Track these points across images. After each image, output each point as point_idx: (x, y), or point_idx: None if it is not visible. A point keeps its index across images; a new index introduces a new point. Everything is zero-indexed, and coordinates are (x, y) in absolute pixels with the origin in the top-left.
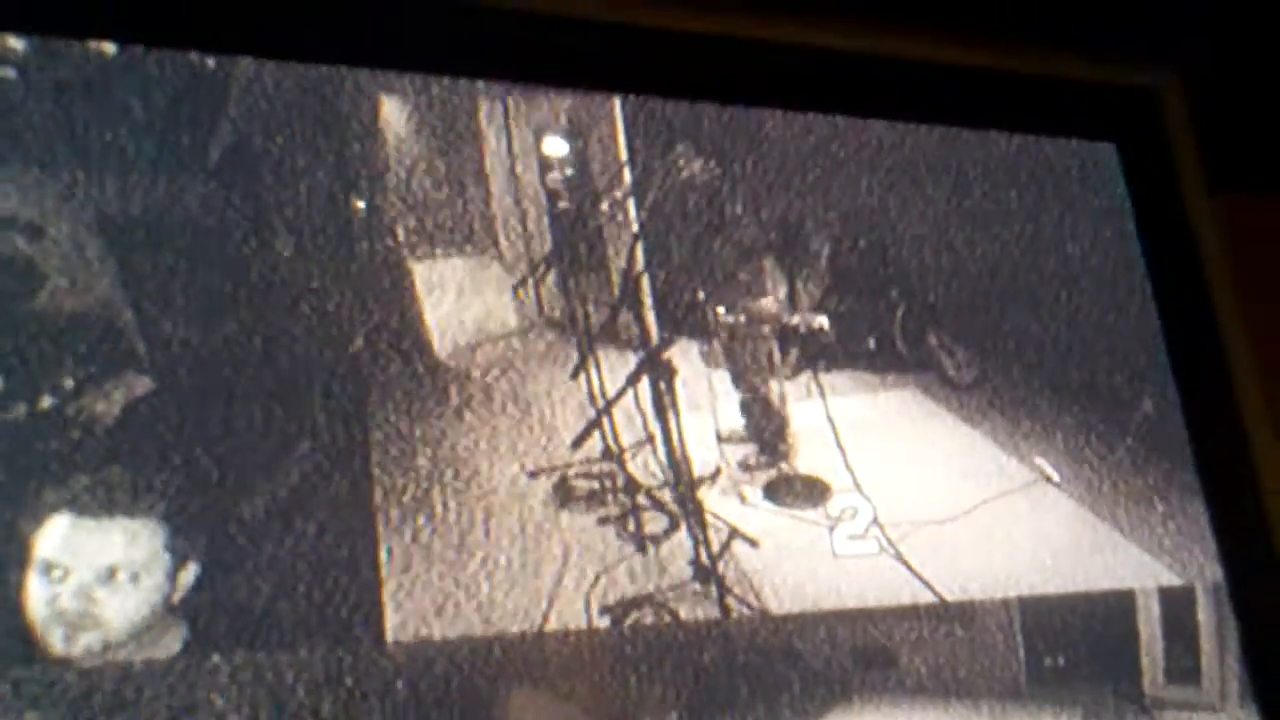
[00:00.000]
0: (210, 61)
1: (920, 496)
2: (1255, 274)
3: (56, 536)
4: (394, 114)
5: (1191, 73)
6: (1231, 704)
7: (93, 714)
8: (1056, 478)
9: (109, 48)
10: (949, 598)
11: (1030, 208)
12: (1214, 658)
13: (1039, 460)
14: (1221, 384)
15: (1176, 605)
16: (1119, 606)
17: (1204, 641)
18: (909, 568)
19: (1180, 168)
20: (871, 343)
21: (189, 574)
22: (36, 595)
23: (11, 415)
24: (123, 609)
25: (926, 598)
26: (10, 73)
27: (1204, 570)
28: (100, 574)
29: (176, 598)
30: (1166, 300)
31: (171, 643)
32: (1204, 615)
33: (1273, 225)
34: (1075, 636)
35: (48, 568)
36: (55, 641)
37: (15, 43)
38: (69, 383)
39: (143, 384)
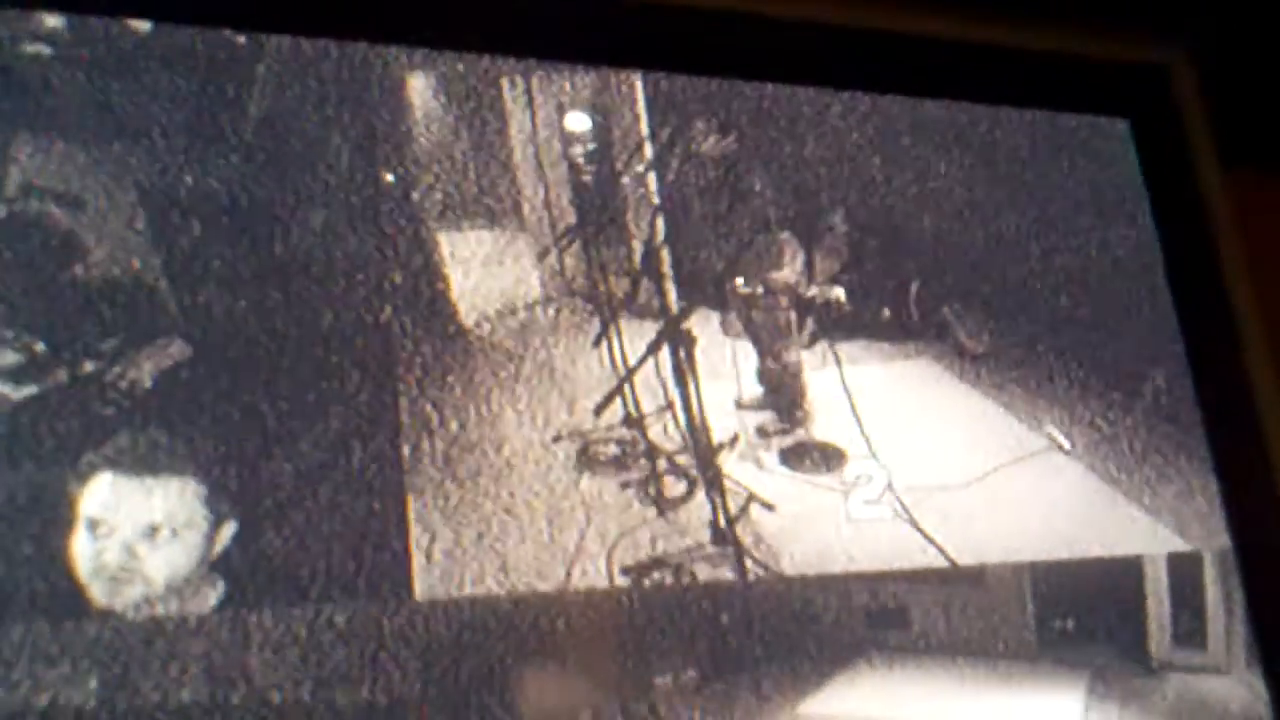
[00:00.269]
0: (241, 39)
1: (934, 463)
2: (1266, 248)
3: (100, 495)
4: (420, 90)
5: (1203, 50)
6: (1237, 667)
7: (136, 666)
8: (1068, 446)
9: (143, 25)
10: (961, 562)
11: (1045, 183)
12: (1220, 623)
13: (1050, 429)
14: (1232, 356)
15: (1184, 571)
16: (1127, 572)
17: (1211, 607)
18: (922, 532)
19: (1193, 144)
20: (886, 313)
21: (227, 532)
22: (82, 551)
23: (54, 379)
24: (164, 564)
25: (939, 561)
26: (48, 50)
27: (1212, 538)
28: (143, 530)
29: (215, 554)
30: (1178, 273)
31: (210, 598)
32: (1211, 581)
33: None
34: (1084, 600)
35: (93, 524)
36: (100, 595)
37: (54, 21)
38: (108, 347)
39: (180, 349)
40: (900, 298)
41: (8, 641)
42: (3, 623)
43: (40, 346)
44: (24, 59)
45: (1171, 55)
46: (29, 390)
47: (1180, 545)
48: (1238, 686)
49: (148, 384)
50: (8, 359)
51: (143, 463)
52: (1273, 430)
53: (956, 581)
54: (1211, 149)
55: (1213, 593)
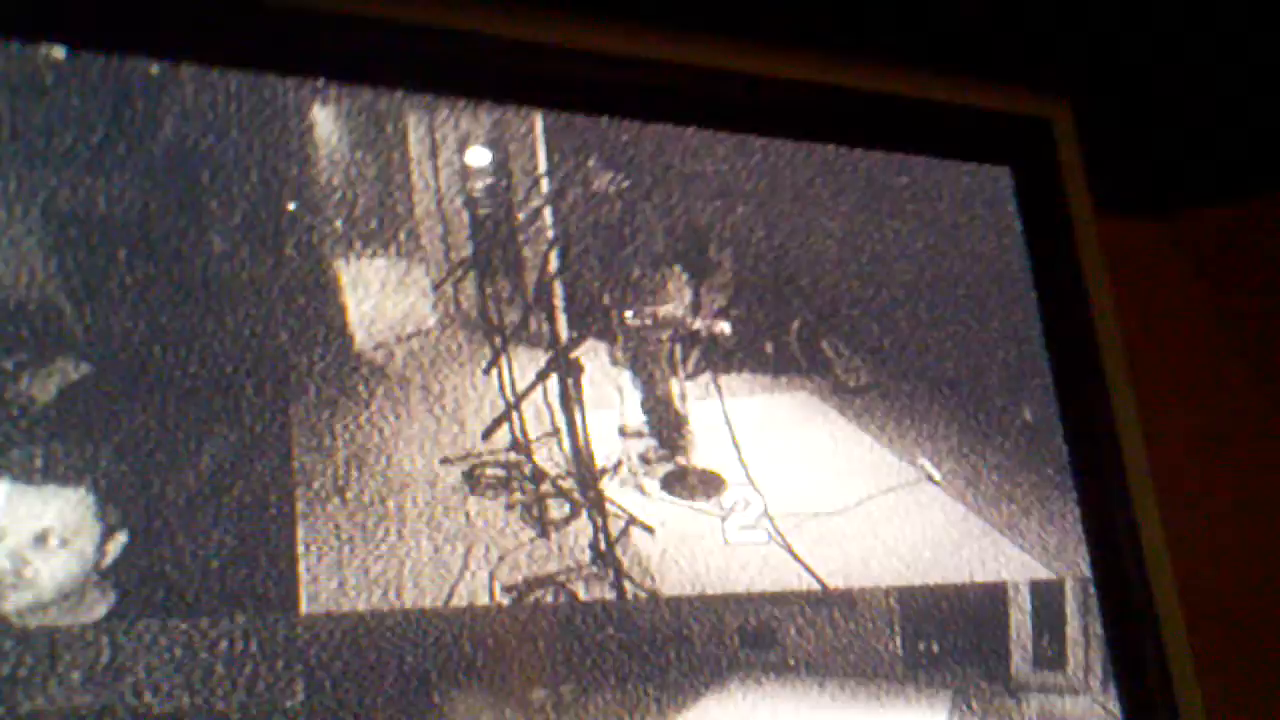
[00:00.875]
0: (154, 68)
1: (809, 491)
2: (1133, 290)
3: None
4: (325, 121)
5: (1082, 103)
6: (1094, 689)
7: (23, 671)
8: (939, 477)
9: (58, 52)
10: (832, 585)
11: (926, 225)
12: (1079, 646)
13: (923, 460)
14: (1097, 394)
15: (1046, 597)
16: (992, 597)
17: (1071, 631)
18: (795, 556)
19: (1069, 191)
20: (769, 347)
21: (117, 543)
22: None
23: None
24: (53, 571)
25: (811, 584)
26: None
27: (1073, 566)
28: (33, 537)
29: (105, 564)
30: (1050, 315)
31: (99, 607)
32: (1072, 607)
33: (1152, 245)
34: (950, 624)
35: None
36: None
37: None
38: (9, 365)
39: (80, 369)
40: (782, 333)
41: None
42: None
43: None
44: None
45: (1051, 108)
46: None
47: (1043, 573)
48: (1094, 706)
49: (48, 400)
50: None
51: (37, 472)
52: (1133, 465)
53: (827, 604)
54: (1086, 196)
55: (1073, 618)
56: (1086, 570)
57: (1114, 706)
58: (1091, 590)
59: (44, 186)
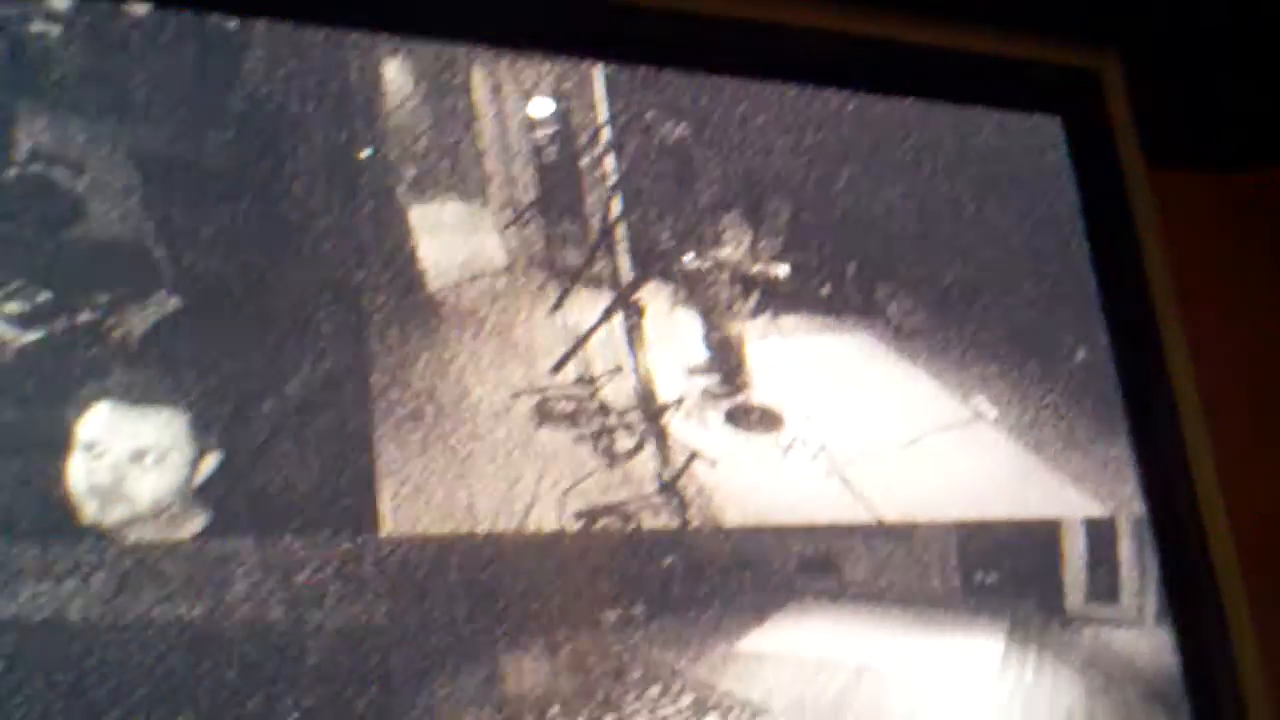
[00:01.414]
0: (232, 23)
1: (866, 429)
2: (1183, 237)
3: (96, 421)
4: (396, 73)
5: (1132, 54)
6: (1148, 622)
7: (122, 584)
8: (993, 416)
9: (142, 8)
10: (889, 520)
11: (980, 174)
12: (1133, 582)
13: (977, 400)
14: (1149, 337)
15: (1100, 534)
16: (1047, 533)
17: (1124, 567)
18: (853, 490)
19: (1119, 142)
20: (826, 290)
21: (209, 463)
22: (77, 471)
23: (56, 326)
24: (149, 487)
25: (868, 518)
26: (55, 29)
27: (1127, 503)
28: (131, 454)
29: (197, 482)
30: (1102, 260)
31: (193, 523)
32: (1125, 544)
33: (1202, 198)
34: (1006, 558)
35: (87, 447)
36: (91, 512)
37: (60, 2)
38: (105, 299)
39: (171, 303)
40: (838, 277)
41: (12, 559)
42: (8, 541)
43: (44, 296)
44: (32, 36)
45: (1101, 59)
46: (34, 334)
47: (1097, 509)
48: (1147, 638)
49: (140, 333)
50: (15, 306)
51: (134, 394)
52: (1185, 407)
53: (884, 536)
54: (1136, 146)
55: (1126, 553)
56: (1140, 507)
57: (1167, 639)
58: (1144, 527)
59: (136, 135)
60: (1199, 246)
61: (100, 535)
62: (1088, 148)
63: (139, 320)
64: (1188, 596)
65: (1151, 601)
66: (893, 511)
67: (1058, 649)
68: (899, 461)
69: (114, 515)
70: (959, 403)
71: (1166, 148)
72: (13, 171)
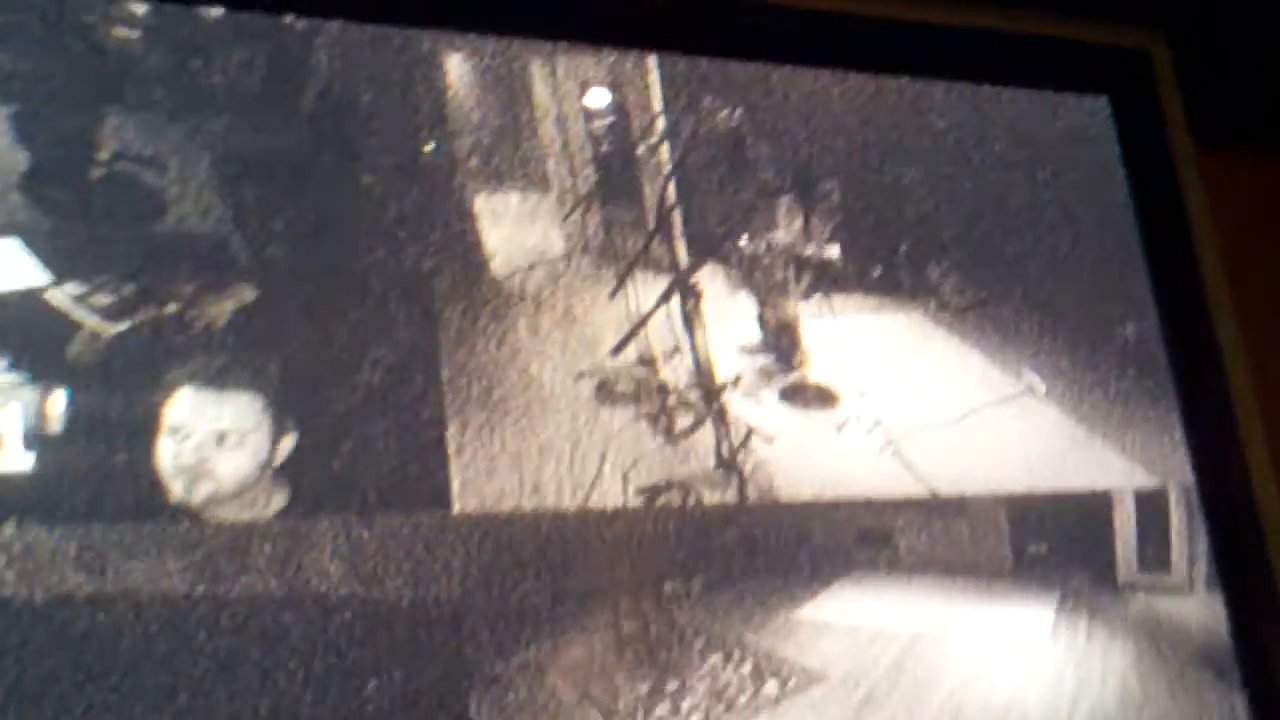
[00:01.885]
0: (301, 24)
1: (918, 404)
2: (1231, 216)
3: (181, 405)
4: (458, 69)
5: (1180, 34)
6: (1198, 590)
7: (208, 562)
8: (1043, 390)
9: (215, 11)
10: (942, 493)
11: (1030, 155)
12: (1183, 550)
13: (1027, 374)
14: (1198, 310)
15: (1150, 504)
16: (1097, 504)
17: (1175, 536)
18: (906, 465)
19: (1168, 121)
20: (877, 271)
21: (287, 443)
22: (164, 452)
23: (142, 317)
24: (231, 467)
25: (921, 491)
26: (135, 33)
27: (1176, 473)
28: (214, 436)
29: (277, 462)
30: (1151, 237)
31: (275, 503)
32: (1176, 513)
33: (1250, 178)
34: (1057, 529)
35: (173, 430)
36: (178, 491)
37: (139, 8)
38: (187, 291)
39: (249, 293)
40: (890, 257)
41: (102, 537)
42: (98, 520)
43: (130, 289)
44: (114, 41)
45: (1150, 39)
46: (121, 325)
47: (1147, 480)
48: (1198, 607)
49: (221, 322)
50: (104, 299)
51: (216, 380)
52: (1234, 378)
53: (938, 510)
54: (1185, 127)
55: (1176, 522)
56: (1189, 477)
57: (1217, 606)
58: (1194, 496)
59: (213, 133)
60: (1247, 224)
61: (187, 514)
62: (1136, 127)
63: (220, 309)
64: (1237, 565)
65: (1202, 570)
66: (946, 485)
67: (1109, 617)
68: (952, 436)
69: (199, 495)
70: (1010, 377)
71: (1215, 128)
72: (99, 172)
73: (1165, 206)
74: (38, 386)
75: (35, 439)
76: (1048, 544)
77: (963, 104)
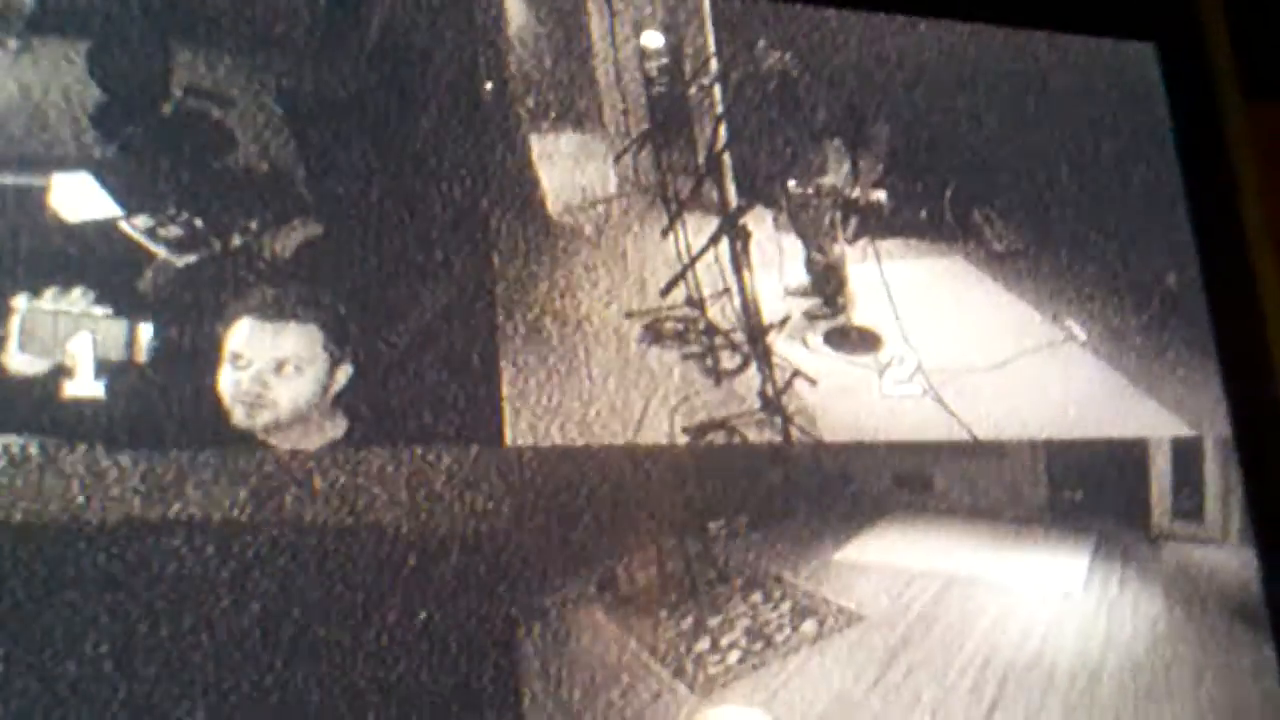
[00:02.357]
0: None
1: (960, 348)
2: (1277, 170)
3: (241, 334)
4: (515, 9)
5: None
6: (1232, 540)
7: (265, 488)
8: (1083, 338)
9: None
10: (982, 436)
11: (1076, 102)
12: (1218, 500)
13: (1068, 322)
14: (1240, 263)
15: (1186, 454)
16: (1133, 452)
17: (1209, 486)
18: (947, 408)
19: (1216, 72)
20: (923, 215)
21: (343, 374)
22: (226, 379)
23: (209, 250)
24: (290, 393)
25: (962, 435)
26: None
27: (1213, 424)
28: (272, 364)
29: (334, 392)
30: (1195, 187)
31: (331, 431)
32: (1211, 464)
33: None
34: (1093, 475)
35: (234, 358)
36: (239, 418)
37: None
38: (254, 225)
39: (313, 229)
40: (935, 201)
41: (167, 465)
42: (163, 447)
43: (199, 223)
44: None
45: None
46: (189, 258)
47: (1183, 430)
48: (1231, 557)
49: (286, 255)
50: (173, 232)
51: (274, 310)
52: (1274, 333)
53: (977, 454)
54: (1233, 75)
55: (1211, 473)
56: (1226, 428)
57: (1250, 556)
58: (1230, 448)
59: (278, 70)
60: None
61: (248, 441)
62: (1182, 75)
63: (284, 243)
64: (1271, 517)
65: (1236, 519)
66: (985, 429)
67: (1142, 565)
68: (992, 380)
69: (260, 421)
70: (1051, 324)
71: (1263, 78)
72: (169, 107)
73: (1210, 157)
74: (109, 315)
75: (106, 366)
76: (1084, 490)
77: (1010, 50)
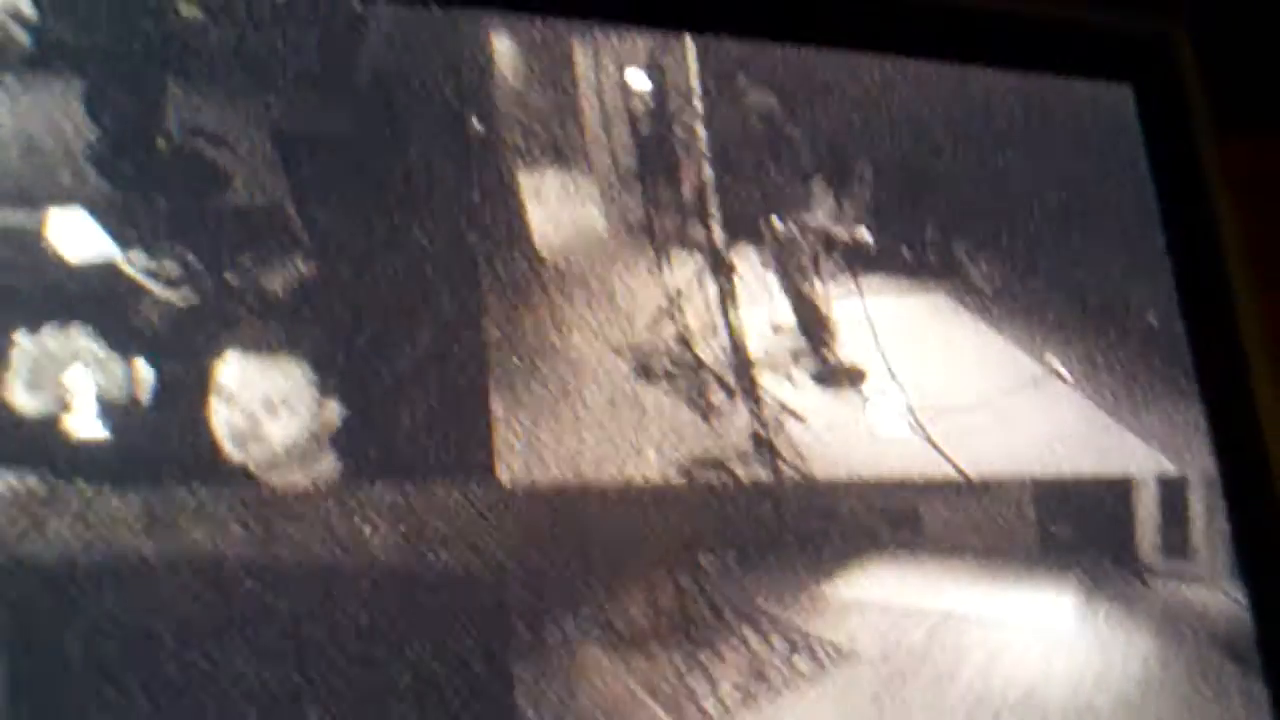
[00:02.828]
0: (356, 4)
1: (946, 386)
2: (1253, 203)
3: (232, 370)
4: (502, 48)
5: (1201, 21)
6: (1220, 577)
7: (257, 526)
8: (1068, 376)
9: None
10: (969, 473)
11: (1054, 142)
12: (1204, 538)
13: (1051, 359)
14: (1219, 299)
15: (1172, 492)
16: (1119, 490)
17: (1195, 523)
18: (934, 445)
19: (1191, 111)
20: (906, 252)
21: (331, 410)
22: (218, 415)
23: (204, 286)
24: (281, 429)
25: (949, 472)
26: (199, 13)
27: (1198, 463)
28: (263, 400)
29: (326, 429)
30: (1173, 224)
31: (322, 468)
32: (1197, 502)
33: (1275, 165)
34: (1080, 513)
35: (226, 394)
36: (233, 452)
37: None
38: (247, 262)
39: (306, 266)
40: (918, 239)
41: (163, 501)
42: (160, 483)
43: (193, 259)
44: (180, 19)
45: (1172, 27)
46: (184, 295)
47: (1169, 467)
48: (1218, 593)
49: (279, 290)
50: (169, 269)
51: (264, 346)
52: (1255, 367)
53: (964, 490)
54: (1208, 113)
55: (1197, 510)
56: (1210, 464)
57: (1238, 594)
58: (1216, 484)
59: (272, 109)
60: (1270, 212)
61: (243, 477)
62: (1158, 114)
63: (277, 280)
64: (1258, 552)
65: (1223, 557)
66: (972, 466)
67: (1130, 602)
68: (978, 418)
69: (253, 457)
70: (1035, 362)
71: (1238, 115)
72: (164, 144)
73: (1188, 194)
74: (106, 352)
75: (104, 403)
76: (1071, 528)
77: (992, 91)
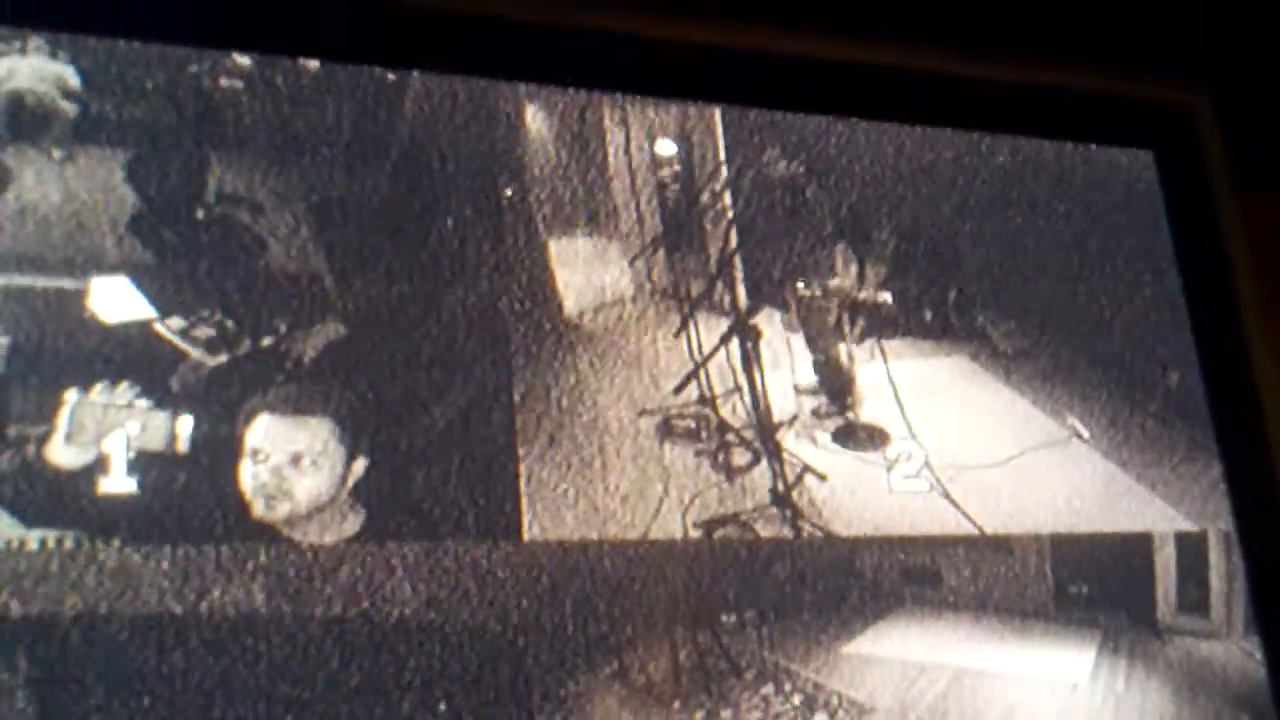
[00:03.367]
0: (391, 76)
1: (967, 445)
2: (1272, 267)
3: (259, 430)
4: (534, 118)
5: (1222, 90)
6: (1236, 634)
7: (285, 583)
8: (1087, 436)
9: (313, 64)
10: (988, 531)
11: (1077, 207)
12: (1222, 594)
13: (1072, 420)
14: (1239, 361)
15: (1190, 548)
16: (1138, 546)
17: (1214, 580)
18: (954, 504)
19: (1212, 177)
20: (928, 316)
21: (359, 466)
22: (246, 474)
23: (240, 350)
24: (307, 487)
25: (969, 530)
26: (239, 83)
27: (1216, 519)
28: (290, 458)
29: (350, 484)
30: (1194, 288)
31: (351, 526)
32: (1215, 558)
33: None
34: (1098, 569)
35: (253, 453)
36: (260, 510)
37: (244, 60)
38: (283, 327)
39: (338, 330)
40: (940, 302)
41: (192, 559)
42: (190, 541)
43: (230, 324)
44: (220, 90)
45: (1193, 95)
46: (221, 358)
47: (1187, 525)
48: (1236, 651)
49: (313, 354)
50: (206, 332)
51: (291, 406)
52: (1274, 427)
53: (984, 548)
54: (1228, 179)
55: (1215, 567)
56: (1228, 523)
57: (1255, 651)
58: (1233, 542)
59: (307, 178)
60: None
61: (268, 535)
62: (1180, 181)
63: (311, 344)
64: (1276, 610)
65: (1240, 614)
66: (992, 524)
67: (1148, 659)
68: (998, 477)
69: (278, 514)
70: (1055, 422)
71: (1258, 179)
72: (202, 213)
73: (1208, 259)
74: (144, 413)
75: (139, 462)
76: (1089, 585)
77: (1015, 157)
